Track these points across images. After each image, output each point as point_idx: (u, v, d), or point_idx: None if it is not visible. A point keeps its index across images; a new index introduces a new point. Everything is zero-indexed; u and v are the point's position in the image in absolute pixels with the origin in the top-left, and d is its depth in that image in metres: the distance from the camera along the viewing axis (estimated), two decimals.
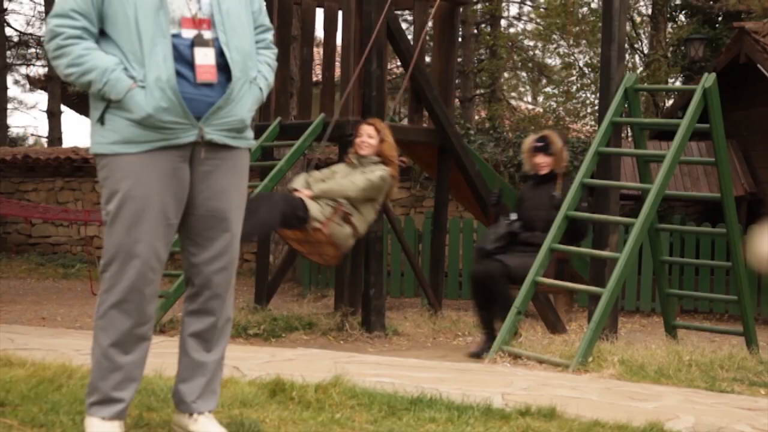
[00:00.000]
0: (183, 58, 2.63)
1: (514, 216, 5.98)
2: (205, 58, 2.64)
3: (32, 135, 30.65)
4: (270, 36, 2.93)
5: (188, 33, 2.65)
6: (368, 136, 6.11)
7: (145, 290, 2.68)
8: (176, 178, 2.68)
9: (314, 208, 5.81)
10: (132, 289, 2.66)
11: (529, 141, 6.15)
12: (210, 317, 2.82)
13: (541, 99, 19.13)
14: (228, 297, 2.85)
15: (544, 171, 5.99)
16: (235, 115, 2.72)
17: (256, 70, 2.81)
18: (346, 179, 5.95)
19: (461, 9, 7.98)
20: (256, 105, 2.82)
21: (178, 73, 2.61)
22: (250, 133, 2.86)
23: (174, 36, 2.62)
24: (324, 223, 5.78)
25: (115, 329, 2.68)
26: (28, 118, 72.46)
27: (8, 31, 21.05)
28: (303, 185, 6.03)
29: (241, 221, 2.91)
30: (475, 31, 16.98)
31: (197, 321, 2.83)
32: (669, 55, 15.71)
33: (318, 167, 12.71)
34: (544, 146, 5.99)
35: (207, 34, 2.66)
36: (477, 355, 5.75)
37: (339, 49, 7.62)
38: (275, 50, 2.95)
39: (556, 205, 5.81)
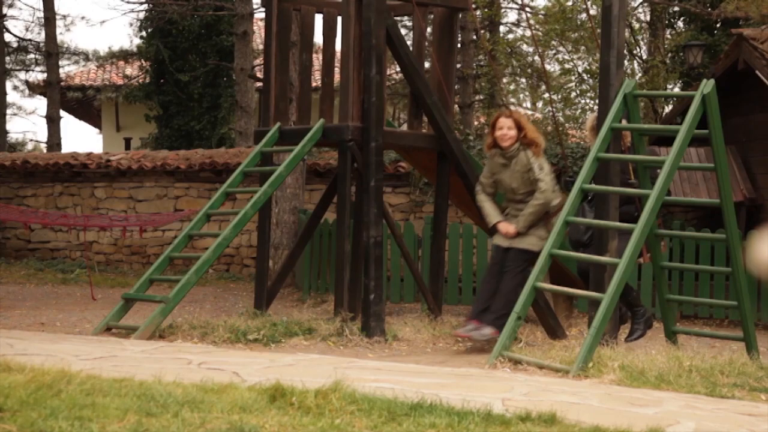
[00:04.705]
0: None
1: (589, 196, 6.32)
2: None
3: (31, 140, 30.69)
4: None
5: None
6: (508, 128, 6.39)
7: None
8: None
9: (533, 244, 6.25)
10: None
11: (591, 119, 6.50)
12: None
13: (540, 105, 19.15)
14: None
15: None
16: None
17: None
18: (533, 207, 6.28)
19: (460, 15, 7.98)
20: None
21: None
22: None
23: None
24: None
25: None
26: (27, 123, 72.48)
27: (7, 37, 21.08)
28: (499, 214, 6.48)
29: None
30: (474, 36, 17.01)
31: None
32: (667, 61, 15.73)
33: (318, 173, 12.75)
34: None
35: None
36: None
37: (338, 54, 7.62)
38: None
39: (624, 170, 6.20)
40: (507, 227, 6.37)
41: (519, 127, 6.40)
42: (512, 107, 20.16)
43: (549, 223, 6.36)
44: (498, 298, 6.24)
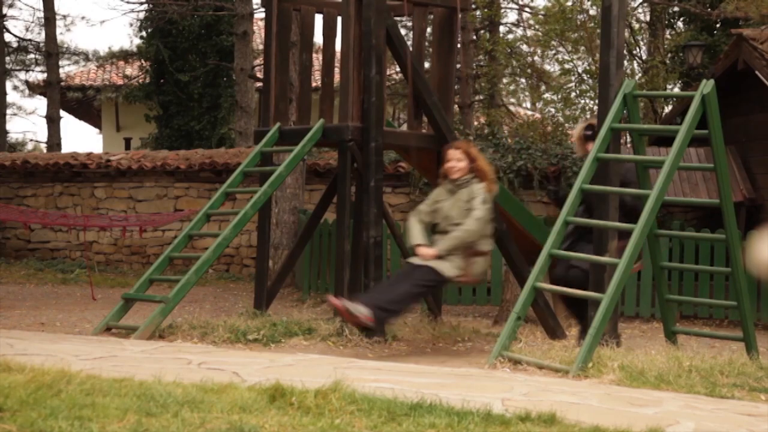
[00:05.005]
0: None
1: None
2: None
3: (31, 140, 30.72)
4: None
5: None
6: (457, 160, 6.19)
7: None
8: None
9: (447, 269, 6.03)
10: None
11: (579, 129, 6.38)
12: None
13: (540, 105, 19.18)
14: None
15: None
16: None
17: None
18: (461, 224, 6.02)
19: (460, 15, 7.98)
20: None
21: None
22: None
23: None
24: (465, 274, 6.09)
25: None
26: (27, 123, 72.56)
27: (7, 37, 21.09)
28: (422, 238, 6.17)
29: None
30: (474, 36, 17.02)
31: None
32: (667, 61, 15.74)
33: (318, 173, 12.74)
34: (593, 134, 6.15)
35: None
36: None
37: (338, 54, 7.63)
38: None
39: (623, 181, 6.02)
40: (426, 251, 6.02)
41: (470, 159, 6.18)
42: (512, 107, 20.16)
43: (470, 260, 6.06)
44: (389, 294, 5.93)
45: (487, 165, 6.29)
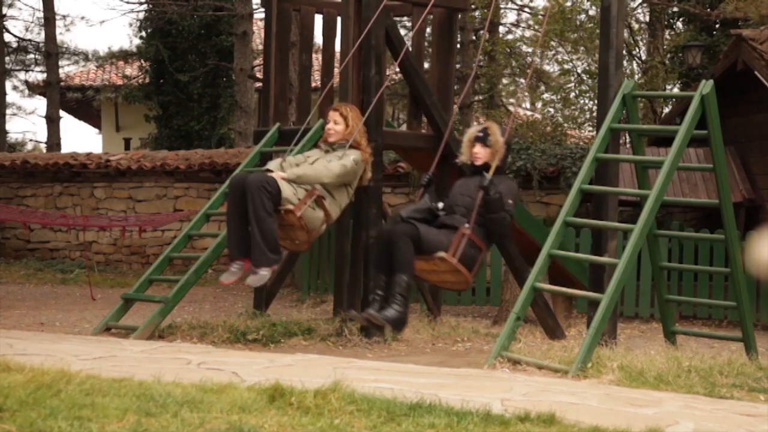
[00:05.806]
0: None
1: (440, 204, 5.67)
2: None
3: (31, 140, 30.72)
4: None
5: None
6: (334, 122, 5.92)
7: None
8: None
9: (287, 190, 5.67)
10: None
11: (472, 131, 5.87)
12: None
13: (539, 105, 19.18)
14: None
15: (478, 162, 5.69)
16: None
17: None
18: (320, 164, 5.80)
19: (459, 15, 7.98)
20: None
21: None
22: None
23: None
24: (297, 206, 5.64)
25: None
26: (27, 123, 72.52)
27: (7, 37, 21.09)
28: (277, 168, 5.87)
29: None
30: (474, 37, 17.02)
31: None
32: (667, 61, 15.74)
33: None
34: (483, 137, 5.71)
35: None
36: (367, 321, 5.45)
37: (338, 55, 7.64)
38: None
39: (483, 186, 5.45)
40: (276, 173, 5.70)
41: (347, 124, 5.88)
42: (511, 108, 20.16)
43: (309, 202, 5.67)
44: (261, 239, 5.53)
45: (362, 135, 5.93)
